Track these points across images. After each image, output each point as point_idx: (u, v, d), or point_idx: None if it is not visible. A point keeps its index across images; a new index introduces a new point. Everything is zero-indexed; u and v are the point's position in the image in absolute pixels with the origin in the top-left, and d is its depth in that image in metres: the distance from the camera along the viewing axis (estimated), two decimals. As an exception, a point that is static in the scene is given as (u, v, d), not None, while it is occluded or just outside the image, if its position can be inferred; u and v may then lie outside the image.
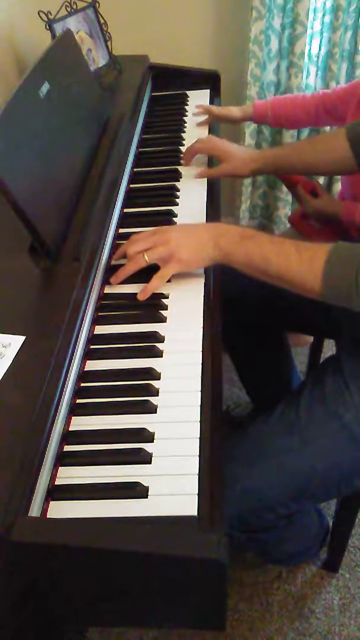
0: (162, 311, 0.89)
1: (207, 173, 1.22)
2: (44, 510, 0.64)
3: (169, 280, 0.92)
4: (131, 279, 0.93)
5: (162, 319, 0.88)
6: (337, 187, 2.11)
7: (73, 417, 0.74)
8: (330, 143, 1.16)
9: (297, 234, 1.53)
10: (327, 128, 1.91)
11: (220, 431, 0.72)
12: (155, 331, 0.85)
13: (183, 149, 1.31)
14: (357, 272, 0.78)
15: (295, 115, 1.49)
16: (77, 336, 0.78)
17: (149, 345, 0.83)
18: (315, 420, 0.94)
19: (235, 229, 0.91)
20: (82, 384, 0.78)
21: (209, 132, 1.41)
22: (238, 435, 1.00)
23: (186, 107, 1.52)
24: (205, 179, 1.21)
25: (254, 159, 1.20)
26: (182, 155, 1.28)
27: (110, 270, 0.96)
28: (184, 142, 1.36)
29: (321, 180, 2.17)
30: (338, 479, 0.96)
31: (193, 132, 1.40)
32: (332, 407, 0.94)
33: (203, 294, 0.91)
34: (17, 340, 0.74)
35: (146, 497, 0.65)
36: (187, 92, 1.58)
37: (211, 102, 1.54)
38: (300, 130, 2.01)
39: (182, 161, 1.26)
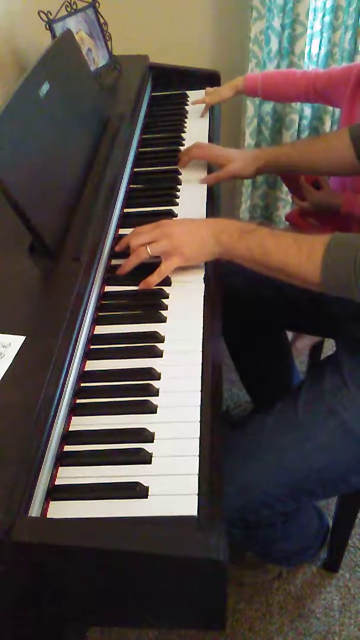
0: (162, 311, 0.89)
1: (214, 177, 1.21)
2: (44, 510, 0.64)
3: (168, 281, 0.93)
4: (132, 279, 0.93)
5: (162, 319, 0.88)
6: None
7: (73, 417, 0.74)
8: (333, 143, 1.16)
9: (296, 232, 1.53)
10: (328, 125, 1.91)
11: (220, 431, 0.72)
12: (155, 331, 0.85)
13: (183, 149, 1.31)
14: (355, 261, 0.78)
15: (285, 91, 1.49)
16: (77, 336, 0.78)
17: (149, 345, 0.83)
18: (314, 418, 0.94)
19: (236, 223, 0.91)
20: (82, 384, 0.78)
21: (209, 132, 1.41)
22: (237, 433, 1.00)
23: (186, 107, 1.52)
24: (205, 179, 1.21)
25: (256, 158, 1.20)
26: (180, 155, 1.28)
27: (111, 270, 0.96)
28: (184, 142, 1.36)
29: None
30: (336, 477, 0.96)
31: (193, 132, 1.40)
32: (330, 405, 0.94)
33: (203, 294, 0.91)
34: (17, 340, 0.74)
35: (146, 497, 0.65)
36: (187, 92, 1.58)
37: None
38: (300, 130, 2.01)
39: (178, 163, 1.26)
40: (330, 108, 1.94)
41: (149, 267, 0.92)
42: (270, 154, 1.21)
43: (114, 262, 0.98)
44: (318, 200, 1.44)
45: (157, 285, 0.92)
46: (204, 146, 1.25)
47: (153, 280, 0.91)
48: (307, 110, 2.01)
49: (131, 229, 1.05)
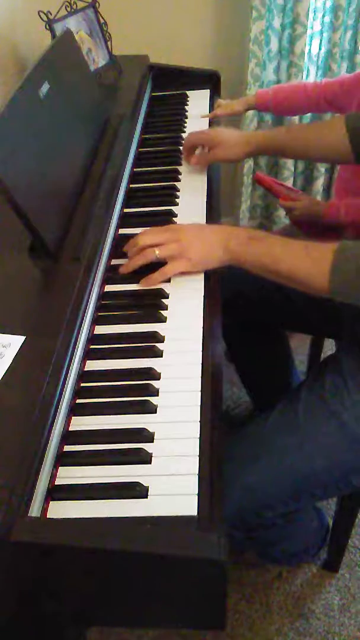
0: (162, 311, 0.89)
1: (201, 159, 1.21)
2: (44, 510, 0.64)
3: (168, 280, 0.93)
4: (132, 279, 0.93)
5: (162, 319, 0.88)
6: (317, 185, 2.12)
7: (73, 417, 0.74)
8: (328, 130, 1.15)
9: (296, 230, 1.53)
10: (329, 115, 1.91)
11: (220, 431, 0.72)
12: (155, 331, 0.85)
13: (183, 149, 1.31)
14: None
15: (296, 103, 1.51)
16: (77, 336, 0.78)
17: (149, 345, 0.83)
18: (314, 419, 0.94)
19: (245, 231, 0.92)
20: (82, 384, 0.78)
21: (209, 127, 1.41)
22: (237, 433, 1.00)
23: (186, 107, 1.51)
24: (205, 179, 1.21)
25: (247, 141, 1.19)
26: (182, 155, 1.28)
27: (111, 270, 0.97)
28: (183, 142, 1.36)
29: (300, 179, 2.18)
30: (337, 478, 0.96)
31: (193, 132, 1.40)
32: (331, 406, 0.94)
33: (203, 294, 0.91)
34: (17, 340, 0.74)
35: (146, 497, 0.65)
36: (187, 92, 1.58)
37: (211, 102, 1.54)
38: (302, 118, 2.01)
39: (183, 161, 1.26)
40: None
41: (150, 267, 0.92)
42: (262, 138, 1.20)
43: (114, 262, 0.98)
44: (302, 210, 1.45)
45: (156, 285, 0.92)
46: (196, 131, 1.25)
47: (155, 278, 0.91)
48: (307, 110, 2.01)
49: (131, 229, 1.05)
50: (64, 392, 0.71)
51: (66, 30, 1.21)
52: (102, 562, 0.59)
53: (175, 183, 1.19)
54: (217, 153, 1.20)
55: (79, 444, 0.71)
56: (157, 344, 0.83)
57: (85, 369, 0.80)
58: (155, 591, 0.63)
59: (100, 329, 0.87)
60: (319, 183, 2.12)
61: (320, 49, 1.94)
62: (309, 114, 2.01)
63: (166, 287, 0.92)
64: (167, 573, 0.59)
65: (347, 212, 1.37)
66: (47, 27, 1.29)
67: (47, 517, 0.63)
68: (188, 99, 1.56)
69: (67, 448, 0.70)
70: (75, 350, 0.77)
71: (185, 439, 0.70)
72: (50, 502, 0.65)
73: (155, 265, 0.92)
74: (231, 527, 0.98)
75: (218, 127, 1.25)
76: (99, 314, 0.89)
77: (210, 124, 1.44)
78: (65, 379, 0.72)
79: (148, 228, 0.95)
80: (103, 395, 0.77)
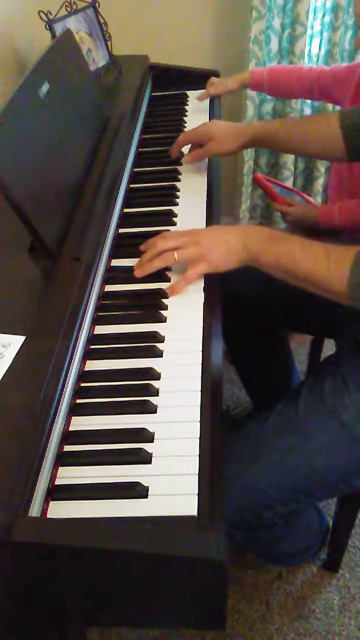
0: (162, 311, 0.89)
1: (195, 155, 1.21)
2: (44, 510, 0.64)
3: (168, 280, 0.93)
4: (132, 279, 0.93)
5: (162, 319, 0.88)
6: (317, 185, 2.11)
7: (73, 417, 0.74)
8: (322, 126, 1.14)
9: (296, 231, 1.53)
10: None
11: (220, 431, 0.72)
12: (155, 331, 0.85)
13: (183, 149, 1.31)
14: None
15: (290, 86, 1.51)
16: (77, 336, 0.78)
17: (149, 345, 0.83)
18: (314, 419, 0.94)
19: (264, 230, 0.91)
20: (82, 384, 0.78)
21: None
22: (237, 433, 1.00)
23: (186, 107, 1.52)
24: (205, 179, 1.21)
25: (241, 133, 1.17)
26: (181, 155, 1.28)
27: (111, 270, 0.96)
28: (174, 142, 1.35)
29: (300, 179, 2.18)
30: (337, 478, 0.96)
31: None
32: (330, 406, 0.94)
33: (203, 294, 0.91)
34: (17, 340, 0.74)
35: (146, 497, 0.65)
36: (187, 92, 1.58)
37: (211, 101, 1.54)
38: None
39: (183, 161, 1.26)
40: (330, 106, 1.94)
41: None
42: (256, 130, 1.18)
43: (114, 262, 0.98)
44: (297, 216, 1.45)
45: (156, 285, 0.92)
46: (184, 133, 1.25)
47: (180, 287, 0.90)
48: (307, 109, 2.01)
49: (131, 229, 1.05)
50: (64, 392, 0.71)
51: (66, 30, 1.21)
52: (102, 562, 0.59)
53: (175, 183, 1.19)
54: (211, 147, 1.18)
55: (79, 444, 0.71)
56: (157, 344, 0.83)
57: (85, 369, 0.80)
58: (155, 591, 0.63)
59: (100, 329, 0.87)
60: (319, 183, 2.12)
61: (320, 49, 1.94)
62: (308, 112, 2.01)
63: (166, 287, 0.92)
64: (167, 573, 0.59)
65: (341, 213, 1.37)
66: (47, 27, 1.29)
67: (47, 517, 0.63)
68: (188, 99, 1.56)
69: (67, 448, 0.70)
70: (75, 350, 0.77)
71: (185, 439, 0.70)
72: (50, 502, 0.65)
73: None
74: (231, 527, 0.98)
75: (211, 121, 1.23)
76: (99, 314, 0.89)
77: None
78: (65, 379, 0.72)
79: (166, 232, 0.95)
80: (103, 395, 0.77)
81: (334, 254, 0.83)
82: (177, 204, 1.13)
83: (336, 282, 0.82)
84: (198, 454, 0.68)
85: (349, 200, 1.40)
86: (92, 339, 0.85)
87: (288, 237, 0.89)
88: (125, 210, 1.12)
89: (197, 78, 1.60)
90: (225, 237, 0.91)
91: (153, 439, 0.71)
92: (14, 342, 0.74)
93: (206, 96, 1.50)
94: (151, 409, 0.74)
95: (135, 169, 1.25)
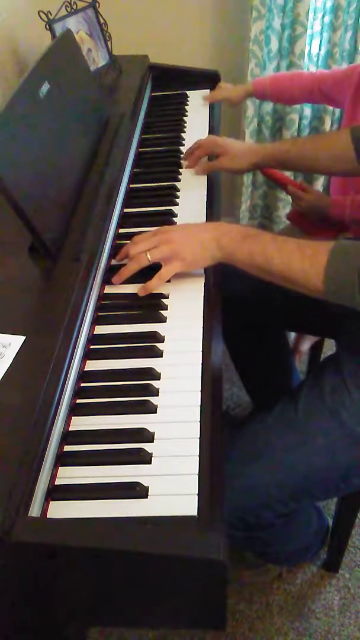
0: (162, 311, 0.89)
1: (206, 167, 1.22)
2: (44, 510, 0.64)
3: (168, 280, 0.93)
4: (132, 279, 0.93)
5: (162, 319, 0.88)
6: (317, 185, 2.11)
7: (73, 417, 0.74)
8: (333, 141, 1.15)
9: (297, 231, 1.53)
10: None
11: (220, 431, 0.72)
12: (155, 331, 0.85)
13: (183, 149, 1.31)
14: (359, 271, 0.78)
15: (292, 92, 1.53)
16: (77, 336, 0.78)
17: (149, 345, 0.83)
18: (314, 419, 0.94)
19: (238, 228, 0.91)
20: (82, 384, 0.78)
21: (209, 132, 1.41)
22: (237, 433, 1.00)
23: (186, 107, 1.52)
24: (205, 179, 1.21)
25: (253, 153, 1.20)
26: (182, 155, 1.28)
27: (111, 270, 0.96)
28: (184, 142, 1.36)
29: (299, 179, 2.18)
30: (336, 478, 0.96)
31: (193, 132, 1.40)
32: (330, 406, 0.94)
33: (203, 294, 0.91)
34: (17, 340, 0.74)
35: (146, 497, 0.65)
36: (187, 92, 1.59)
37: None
38: (300, 130, 2.01)
39: (183, 162, 1.26)
40: (331, 108, 1.95)
41: (151, 267, 0.91)
42: (268, 150, 1.21)
43: (114, 262, 0.98)
44: (309, 202, 1.45)
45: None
46: (205, 141, 1.26)
47: (153, 285, 0.90)
48: (307, 110, 2.01)
49: (131, 229, 1.05)
50: (64, 392, 0.71)
51: (66, 30, 1.21)
52: (102, 562, 0.59)
53: (175, 183, 1.19)
54: (223, 162, 1.21)
55: (79, 444, 0.71)
56: (157, 344, 0.83)
57: (85, 369, 0.80)
58: (155, 591, 0.63)
59: (100, 329, 0.87)
60: (319, 183, 2.12)
61: (320, 49, 1.94)
62: (308, 112, 2.01)
63: (166, 287, 0.92)
64: (167, 573, 0.59)
65: (353, 208, 1.37)
66: (47, 27, 1.29)
67: (47, 517, 0.63)
68: (188, 99, 1.56)
69: (67, 448, 0.70)
70: (75, 350, 0.77)
71: (185, 439, 0.70)
72: (50, 502, 0.65)
73: (152, 269, 0.91)
74: (231, 527, 0.97)
75: (225, 137, 1.26)
76: (99, 314, 0.89)
77: (210, 122, 1.45)
78: (65, 379, 0.72)
79: (137, 235, 0.94)
80: (103, 395, 0.77)
81: (308, 251, 0.83)
82: (177, 204, 1.13)
83: (312, 278, 0.82)
84: (198, 454, 0.68)
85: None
86: (92, 339, 0.85)
87: (262, 234, 0.88)
88: (125, 210, 1.12)
89: (197, 78, 1.61)
90: (198, 236, 0.91)
91: (153, 439, 0.71)
92: (14, 342, 0.74)
93: (212, 99, 1.51)
94: (151, 409, 0.74)
95: (135, 169, 1.25)
